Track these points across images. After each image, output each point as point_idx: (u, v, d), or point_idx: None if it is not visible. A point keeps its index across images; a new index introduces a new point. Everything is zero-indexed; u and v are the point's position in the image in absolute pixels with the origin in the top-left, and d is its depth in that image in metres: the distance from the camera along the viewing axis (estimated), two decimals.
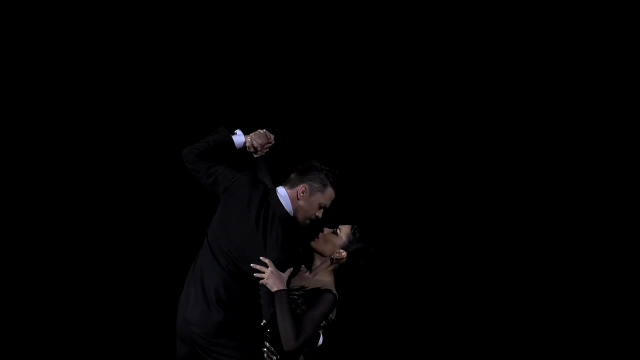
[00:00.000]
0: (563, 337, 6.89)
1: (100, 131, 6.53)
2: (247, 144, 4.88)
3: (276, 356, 4.56)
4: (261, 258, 4.48)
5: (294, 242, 4.59)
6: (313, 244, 4.69)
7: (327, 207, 4.69)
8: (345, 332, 6.07)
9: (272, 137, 4.94)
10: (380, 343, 6.76)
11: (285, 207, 4.60)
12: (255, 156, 4.95)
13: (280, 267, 4.47)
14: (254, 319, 4.60)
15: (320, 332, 4.59)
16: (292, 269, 4.50)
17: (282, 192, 4.65)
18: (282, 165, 5.50)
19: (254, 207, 4.58)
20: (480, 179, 6.92)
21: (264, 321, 4.56)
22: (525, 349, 6.89)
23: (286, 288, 4.43)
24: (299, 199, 4.63)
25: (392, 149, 6.88)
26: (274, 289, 4.42)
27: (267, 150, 4.95)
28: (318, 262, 4.71)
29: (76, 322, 6.41)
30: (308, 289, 4.60)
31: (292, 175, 4.70)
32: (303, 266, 4.77)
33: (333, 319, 4.62)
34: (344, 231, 4.69)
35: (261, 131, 4.92)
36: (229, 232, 4.57)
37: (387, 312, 6.77)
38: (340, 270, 4.73)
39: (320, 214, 4.68)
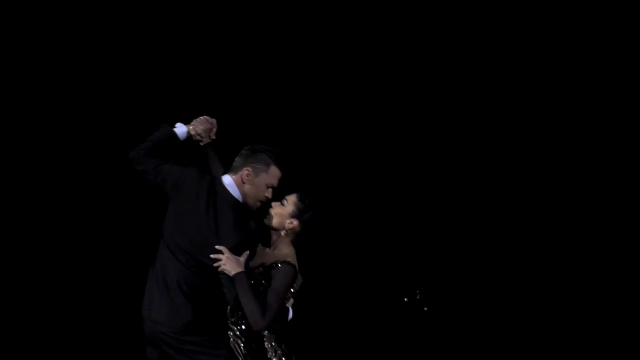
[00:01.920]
0: (557, 337, 6.91)
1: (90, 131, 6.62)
2: (191, 132, 4.87)
3: (241, 339, 4.60)
4: (216, 247, 4.49)
5: (245, 225, 4.61)
6: (265, 221, 4.71)
7: (275, 185, 4.69)
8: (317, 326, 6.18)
9: (214, 121, 4.93)
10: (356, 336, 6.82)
11: (233, 194, 4.62)
12: (202, 144, 4.94)
13: (236, 250, 4.49)
14: (219, 312, 4.64)
15: (289, 306, 4.62)
16: (248, 251, 4.51)
17: (227, 180, 4.67)
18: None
19: (203, 199, 4.60)
20: (463, 177, 6.96)
21: (229, 306, 4.61)
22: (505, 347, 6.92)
23: (244, 270, 4.45)
24: (244, 183, 4.64)
25: (381, 148, 6.94)
26: (232, 273, 4.45)
27: (214, 137, 4.94)
28: (274, 236, 4.73)
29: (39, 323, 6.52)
30: (267, 264, 4.61)
31: (235, 161, 4.71)
32: (260, 245, 4.77)
33: (297, 288, 4.65)
34: (291, 200, 4.71)
35: (201, 117, 4.91)
36: (182, 228, 4.59)
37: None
38: (300, 240, 4.75)
39: (269, 193, 4.68)
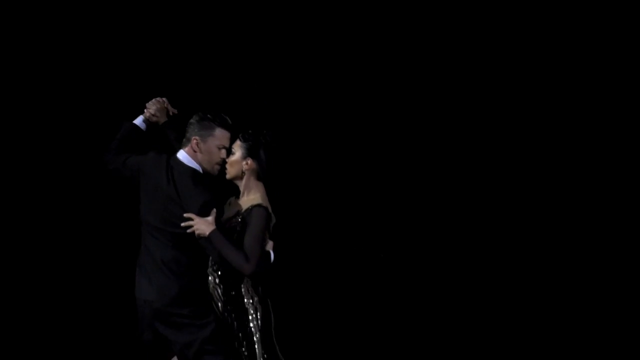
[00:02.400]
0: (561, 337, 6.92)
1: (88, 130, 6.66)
2: (146, 116, 5.16)
3: (219, 286, 4.82)
4: (184, 215, 4.73)
5: (205, 187, 4.83)
6: (228, 176, 4.92)
7: (226, 145, 4.91)
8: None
9: (164, 99, 5.20)
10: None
11: (189, 165, 4.88)
12: (160, 124, 5.20)
13: (203, 212, 4.72)
14: (203, 281, 4.87)
15: (270, 250, 4.80)
16: (215, 209, 4.73)
17: (181, 154, 4.93)
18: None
19: (162, 176, 4.88)
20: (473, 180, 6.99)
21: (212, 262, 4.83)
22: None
23: (215, 227, 4.68)
24: (196, 152, 4.90)
25: (389, 148, 6.98)
26: (207, 233, 4.68)
27: (175, 111, 5.21)
28: (241, 186, 4.90)
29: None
30: (242, 212, 4.82)
31: (185, 136, 4.95)
32: (233, 197, 4.98)
33: (270, 229, 4.84)
34: (236, 145, 4.90)
35: (152, 100, 5.20)
36: (152, 208, 4.88)
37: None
38: (269, 180, 4.94)
39: (223, 154, 4.91)
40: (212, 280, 4.87)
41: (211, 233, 4.68)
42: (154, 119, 5.19)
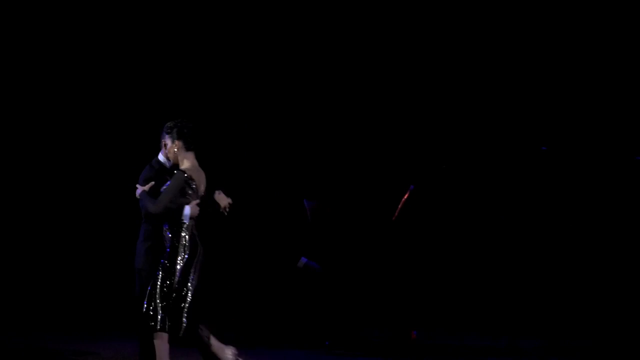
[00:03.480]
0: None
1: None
2: None
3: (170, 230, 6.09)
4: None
5: (154, 170, 6.20)
6: (172, 163, 6.15)
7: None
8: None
9: None
10: None
11: (158, 158, 6.29)
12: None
13: (144, 184, 6.10)
14: (155, 246, 6.07)
15: (188, 205, 6.02)
16: (153, 182, 6.16)
17: (159, 156, 6.42)
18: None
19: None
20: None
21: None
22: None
23: (143, 189, 6.11)
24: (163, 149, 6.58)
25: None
26: (137, 194, 6.19)
27: None
28: (178, 162, 6.22)
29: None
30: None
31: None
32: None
33: (194, 190, 6.10)
34: (165, 139, 6.17)
35: None
36: None
37: None
38: (197, 154, 6.10)
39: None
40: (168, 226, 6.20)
41: (140, 193, 6.06)
42: None
